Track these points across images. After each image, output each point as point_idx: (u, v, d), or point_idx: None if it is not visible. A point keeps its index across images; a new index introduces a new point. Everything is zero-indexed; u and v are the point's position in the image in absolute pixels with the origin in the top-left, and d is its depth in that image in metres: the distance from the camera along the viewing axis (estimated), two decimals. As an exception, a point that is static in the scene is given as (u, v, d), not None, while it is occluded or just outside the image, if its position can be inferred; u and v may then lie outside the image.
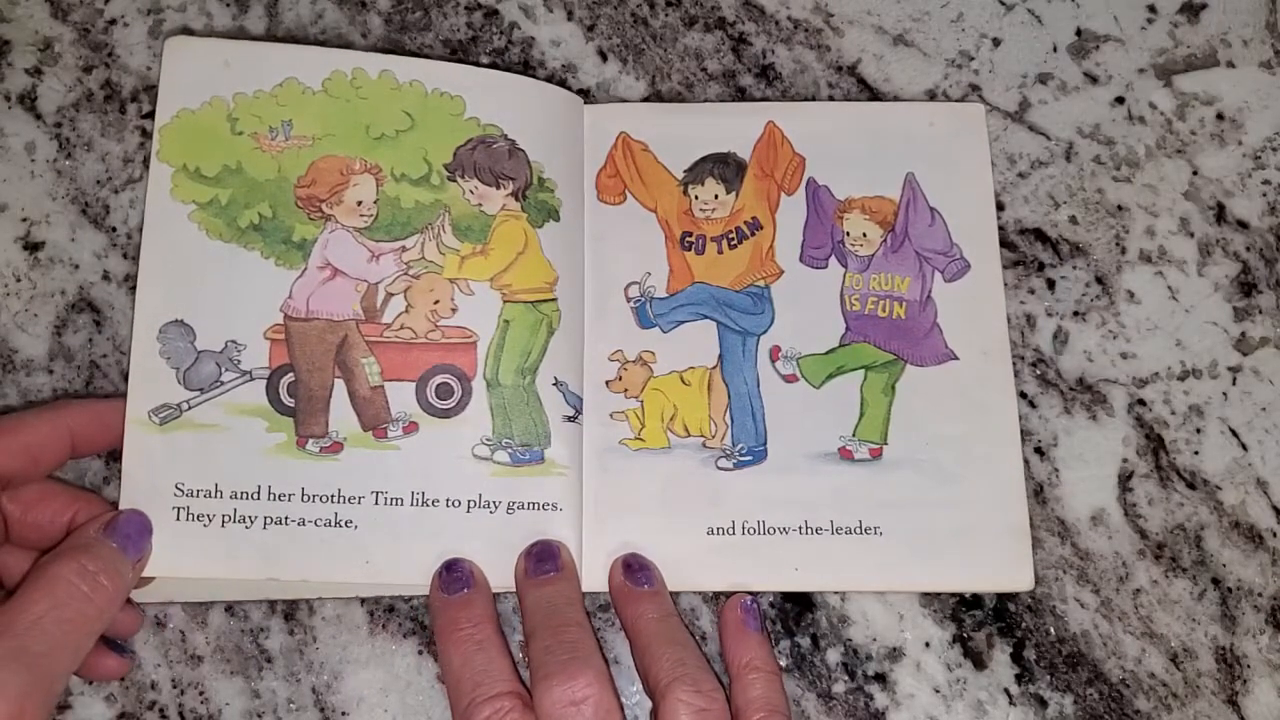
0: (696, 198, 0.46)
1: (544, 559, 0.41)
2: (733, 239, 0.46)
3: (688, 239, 0.46)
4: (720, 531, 0.43)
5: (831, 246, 0.46)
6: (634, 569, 0.42)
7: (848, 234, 0.46)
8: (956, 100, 0.49)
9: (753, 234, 0.46)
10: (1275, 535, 0.44)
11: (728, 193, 0.46)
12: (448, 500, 0.42)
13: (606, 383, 0.45)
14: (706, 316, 0.46)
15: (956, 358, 0.45)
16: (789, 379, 0.45)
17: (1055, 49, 0.50)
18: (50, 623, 0.34)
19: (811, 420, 0.44)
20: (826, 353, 0.45)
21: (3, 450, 0.38)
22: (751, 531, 0.43)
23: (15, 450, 0.38)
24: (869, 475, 0.44)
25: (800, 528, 0.43)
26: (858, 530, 0.43)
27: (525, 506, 0.42)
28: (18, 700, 0.32)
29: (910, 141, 0.47)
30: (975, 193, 0.47)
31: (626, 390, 0.45)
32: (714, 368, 0.45)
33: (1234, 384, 0.46)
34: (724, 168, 0.47)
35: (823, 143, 0.47)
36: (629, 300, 0.46)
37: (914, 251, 0.46)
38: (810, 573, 0.43)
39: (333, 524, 0.41)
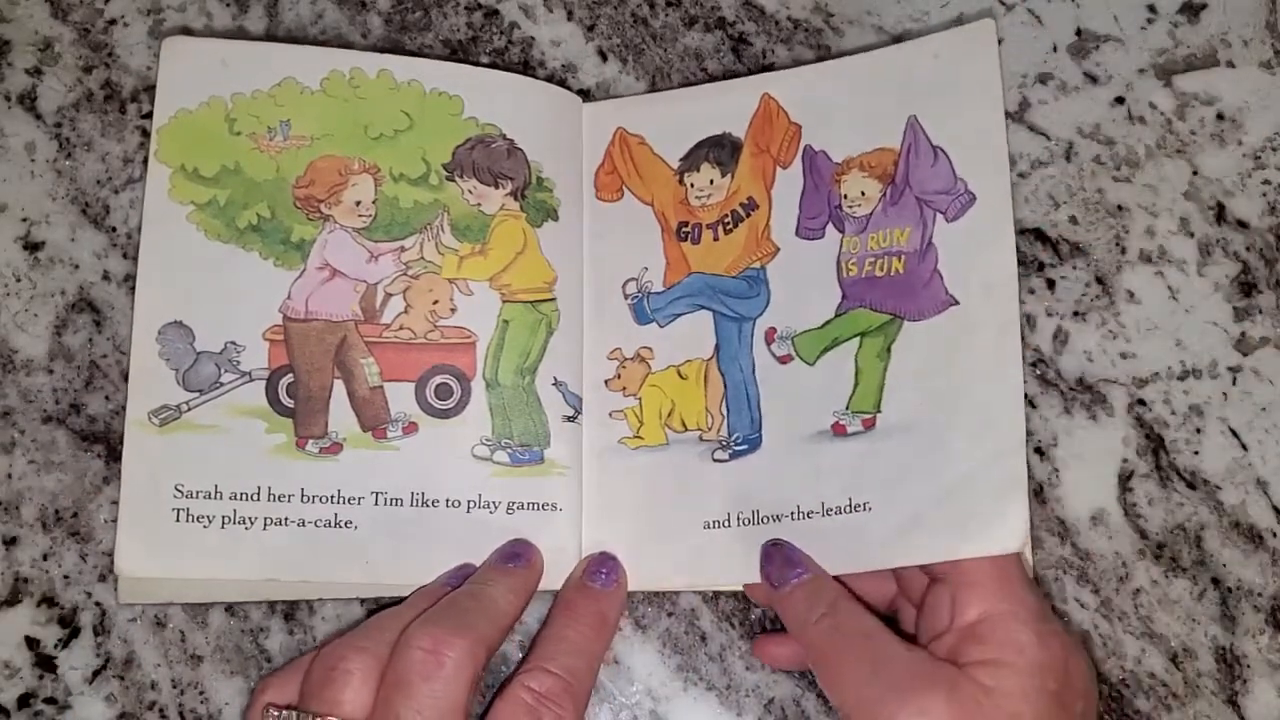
0: (692, 185, 0.46)
1: (511, 558, 0.41)
2: (728, 223, 0.46)
3: (683, 229, 0.46)
4: (716, 525, 0.43)
5: (829, 213, 0.45)
6: (592, 569, 0.42)
7: (845, 196, 0.44)
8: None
9: (748, 215, 0.45)
10: (1275, 535, 0.44)
11: (723, 175, 0.46)
12: (447, 501, 0.42)
13: (605, 381, 0.45)
14: (703, 307, 0.45)
15: (957, 302, 0.42)
16: (784, 360, 0.44)
17: (1055, 49, 0.50)
18: None
19: (805, 399, 0.43)
20: (822, 325, 0.44)
21: None
22: (746, 522, 0.42)
23: None
24: (860, 449, 0.42)
25: (792, 513, 0.42)
26: (847, 509, 0.41)
27: (525, 507, 0.42)
28: None
29: (913, 83, 0.44)
30: (984, 115, 0.43)
31: (625, 388, 0.45)
32: (710, 359, 0.45)
33: (1234, 384, 0.46)
34: (718, 150, 0.46)
35: (820, 105, 0.45)
36: (626, 297, 0.46)
37: (914, 198, 0.43)
38: None
39: (332, 525, 0.41)
